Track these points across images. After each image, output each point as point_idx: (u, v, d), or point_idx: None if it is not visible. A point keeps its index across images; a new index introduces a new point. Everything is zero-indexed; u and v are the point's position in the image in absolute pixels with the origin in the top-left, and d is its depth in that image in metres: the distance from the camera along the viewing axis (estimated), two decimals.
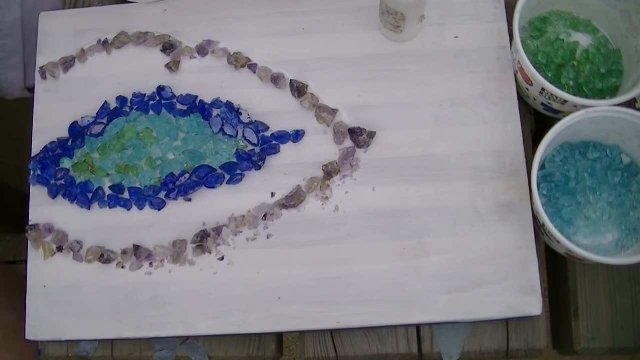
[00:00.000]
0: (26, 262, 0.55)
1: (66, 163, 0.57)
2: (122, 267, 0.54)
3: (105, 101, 0.58)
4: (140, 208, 0.55)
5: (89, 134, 0.57)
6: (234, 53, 0.58)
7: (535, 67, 0.52)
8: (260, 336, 0.55)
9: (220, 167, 0.55)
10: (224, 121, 0.56)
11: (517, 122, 0.55)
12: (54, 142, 0.57)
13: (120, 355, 0.56)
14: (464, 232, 0.53)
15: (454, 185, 0.54)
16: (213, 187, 0.55)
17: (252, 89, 0.57)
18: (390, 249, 0.53)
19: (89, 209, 0.56)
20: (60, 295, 0.54)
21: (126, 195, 0.56)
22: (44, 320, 0.54)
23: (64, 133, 0.58)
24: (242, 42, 0.58)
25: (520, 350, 0.54)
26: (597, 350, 0.54)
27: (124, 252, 0.54)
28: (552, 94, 0.51)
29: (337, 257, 0.53)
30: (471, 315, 0.52)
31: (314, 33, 0.58)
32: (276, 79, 0.57)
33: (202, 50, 0.58)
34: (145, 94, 0.58)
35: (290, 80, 0.57)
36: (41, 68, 0.60)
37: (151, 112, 0.57)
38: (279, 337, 0.57)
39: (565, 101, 0.50)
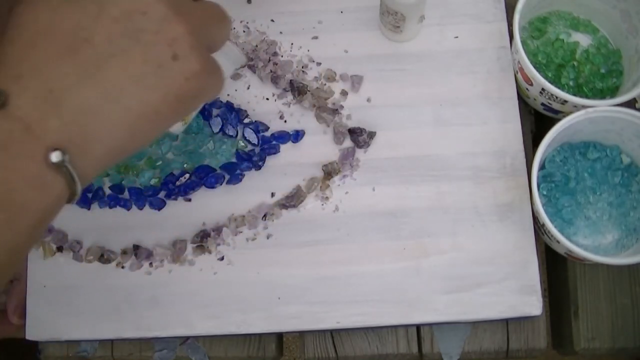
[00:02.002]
0: (26, 262, 0.55)
1: None
2: (122, 267, 0.54)
3: None
4: (140, 208, 0.55)
5: None
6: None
7: (535, 67, 0.52)
8: (260, 336, 0.55)
9: (220, 167, 0.55)
10: (224, 121, 0.56)
11: (517, 122, 0.55)
12: None
13: (120, 355, 0.56)
14: (464, 232, 0.53)
15: (454, 185, 0.54)
16: (213, 187, 0.55)
17: (252, 89, 0.57)
18: (390, 249, 0.53)
19: (89, 209, 0.56)
20: (60, 295, 0.54)
21: (126, 195, 0.56)
22: (44, 320, 0.54)
23: None
24: None
25: (520, 350, 0.54)
26: (597, 350, 0.54)
27: (124, 252, 0.54)
28: (552, 94, 0.51)
29: (337, 257, 0.53)
30: (471, 316, 0.52)
31: (313, 33, 0.58)
32: (276, 79, 0.57)
33: None
34: None
35: (290, 80, 0.57)
36: None
37: None
38: (279, 337, 0.57)
39: (565, 101, 0.50)
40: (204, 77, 0.36)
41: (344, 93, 0.56)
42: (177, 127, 0.51)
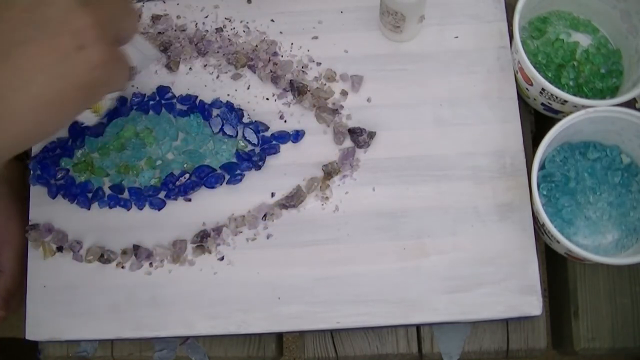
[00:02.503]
0: (26, 262, 0.55)
1: (66, 163, 0.57)
2: (122, 267, 0.54)
3: None
4: (140, 208, 0.55)
5: (88, 133, 0.57)
6: (234, 53, 0.58)
7: (535, 67, 0.52)
8: (260, 336, 0.55)
9: (220, 167, 0.55)
10: (224, 121, 0.56)
11: (517, 122, 0.55)
12: (53, 142, 0.57)
13: (120, 355, 0.56)
14: (464, 232, 0.53)
15: (454, 185, 0.54)
16: (213, 187, 0.55)
17: (252, 89, 0.57)
18: (390, 249, 0.53)
19: (89, 209, 0.56)
20: (60, 295, 0.54)
21: (126, 195, 0.56)
22: (44, 320, 0.54)
23: (64, 133, 0.57)
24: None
25: (520, 350, 0.54)
26: (597, 350, 0.54)
27: (124, 252, 0.54)
28: (552, 94, 0.51)
29: (337, 257, 0.53)
30: (471, 315, 0.52)
31: (313, 33, 0.58)
32: (276, 79, 0.57)
33: (202, 50, 0.58)
34: (145, 94, 0.58)
35: (290, 80, 0.57)
36: None
37: (151, 112, 0.57)
38: (279, 337, 0.57)
39: (565, 101, 0.50)
40: (109, 67, 0.38)
41: (344, 93, 0.57)
42: (90, 119, 0.52)
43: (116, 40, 0.40)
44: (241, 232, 0.54)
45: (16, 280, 0.55)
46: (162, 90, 0.57)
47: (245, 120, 0.56)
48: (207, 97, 0.57)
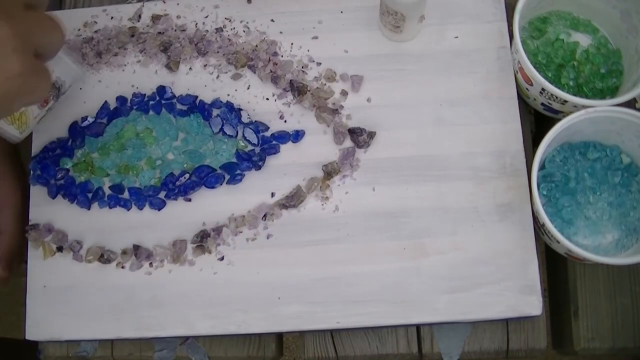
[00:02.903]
0: (26, 262, 0.55)
1: (66, 163, 0.57)
2: (122, 267, 0.54)
3: (105, 101, 0.58)
4: (140, 208, 0.55)
5: (88, 133, 0.57)
6: (234, 53, 0.58)
7: (535, 67, 0.52)
8: (260, 336, 0.55)
9: (220, 167, 0.55)
10: (224, 121, 0.56)
11: (517, 122, 0.55)
12: (53, 142, 0.57)
13: (120, 355, 0.56)
14: (464, 232, 0.53)
15: (454, 185, 0.54)
16: (213, 187, 0.55)
17: (252, 89, 0.57)
18: (390, 249, 0.53)
19: (89, 209, 0.56)
20: (60, 295, 0.54)
21: (126, 195, 0.56)
22: (44, 320, 0.54)
23: (64, 133, 0.58)
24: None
25: (520, 350, 0.54)
26: (597, 350, 0.54)
27: (124, 252, 0.54)
28: (552, 94, 0.51)
29: (337, 257, 0.53)
30: (471, 316, 0.52)
31: (313, 33, 0.58)
32: (276, 79, 0.57)
33: (202, 50, 0.58)
34: (145, 94, 0.58)
35: (290, 80, 0.57)
36: None
37: (151, 112, 0.57)
38: (279, 337, 0.57)
39: (565, 101, 0.50)
40: (26, 79, 0.39)
41: (344, 93, 0.57)
42: (13, 133, 0.53)
43: (38, 54, 0.41)
44: (241, 232, 0.54)
45: (16, 240, 0.55)
46: (162, 90, 0.57)
47: (245, 120, 0.56)
48: (207, 97, 0.57)
